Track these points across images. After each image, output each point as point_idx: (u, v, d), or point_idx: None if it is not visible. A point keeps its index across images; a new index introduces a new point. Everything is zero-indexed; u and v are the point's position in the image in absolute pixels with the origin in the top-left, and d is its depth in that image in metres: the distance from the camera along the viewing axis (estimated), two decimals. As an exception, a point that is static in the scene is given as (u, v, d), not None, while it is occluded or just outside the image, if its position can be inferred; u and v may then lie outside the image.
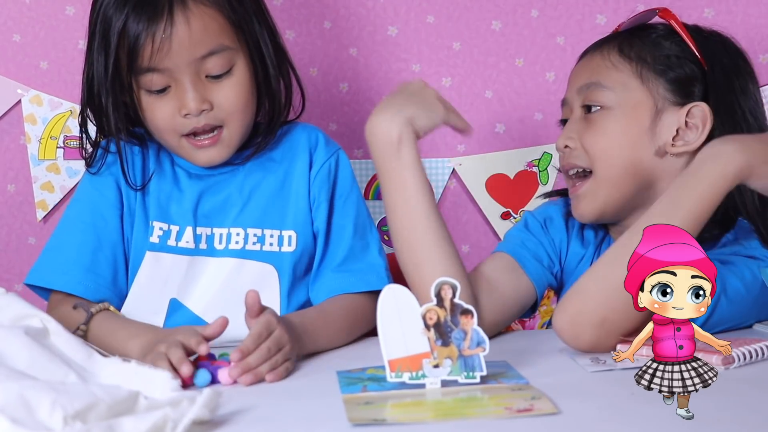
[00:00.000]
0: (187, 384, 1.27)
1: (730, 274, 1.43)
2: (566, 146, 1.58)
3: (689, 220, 1.34)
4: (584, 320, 1.36)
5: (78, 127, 1.60)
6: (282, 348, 1.33)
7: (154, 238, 1.56)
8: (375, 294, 1.53)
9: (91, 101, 1.56)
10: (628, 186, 1.54)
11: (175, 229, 1.56)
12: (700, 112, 1.52)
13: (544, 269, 1.59)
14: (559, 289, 1.64)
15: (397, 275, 1.56)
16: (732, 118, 1.54)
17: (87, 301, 1.51)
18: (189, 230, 1.56)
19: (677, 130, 1.53)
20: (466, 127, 1.55)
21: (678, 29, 1.56)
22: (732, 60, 1.58)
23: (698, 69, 1.55)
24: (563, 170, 1.60)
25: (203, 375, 1.28)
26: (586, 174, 1.57)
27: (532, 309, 1.61)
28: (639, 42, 1.56)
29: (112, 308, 1.48)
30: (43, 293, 1.57)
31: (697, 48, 1.55)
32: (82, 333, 1.44)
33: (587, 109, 1.56)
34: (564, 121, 1.63)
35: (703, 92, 1.54)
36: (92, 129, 1.61)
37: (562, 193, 1.68)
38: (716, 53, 1.56)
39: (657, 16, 1.60)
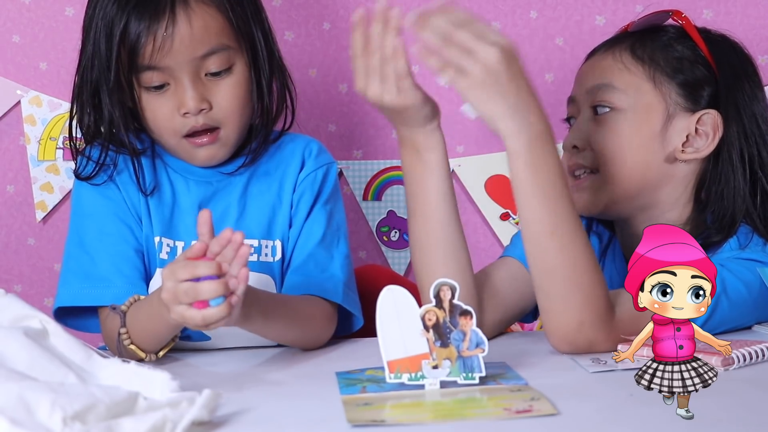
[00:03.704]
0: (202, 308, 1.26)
1: (730, 275, 1.43)
2: (574, 146, 1.57)
3: None
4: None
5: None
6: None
7: (163, 255, 1.55)
8: (333, 305, 1.52)
9: (89, 102, 1.55)
10: (633, 187, 1.53)
11: (180, 245, 1.54)
12: (711, 119, 1.52)
13: None
14: None
15: (363, 291, 1.57)
16: (741, 123, 1.53)
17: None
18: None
19: (687, 137, 1.52)
20: None
21: (690, 32, 1.55)
22: (742, 65, 1.57)
23: (709, 73, 1.54)
24: (569, 170, 1.58)
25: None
26: (593, 173, 1.56)
27: (533, 314, 1.60)
28: (651, 44, 1.55)
29: (139, 297, 1.44)
30: (73, 321, 1.53)
31: (708, 52, 1.54)
32: (127, 336, 1.40)
33: (596, 110, 1.55)
34: (569, 120, 1.62)
35: (714, 97, 1.53)
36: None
37: None
38: (726, 58, 1.56)
39: (670, 18, 1.58)
